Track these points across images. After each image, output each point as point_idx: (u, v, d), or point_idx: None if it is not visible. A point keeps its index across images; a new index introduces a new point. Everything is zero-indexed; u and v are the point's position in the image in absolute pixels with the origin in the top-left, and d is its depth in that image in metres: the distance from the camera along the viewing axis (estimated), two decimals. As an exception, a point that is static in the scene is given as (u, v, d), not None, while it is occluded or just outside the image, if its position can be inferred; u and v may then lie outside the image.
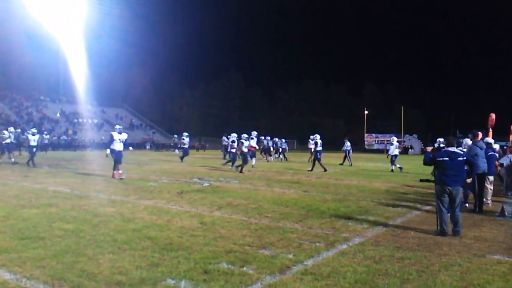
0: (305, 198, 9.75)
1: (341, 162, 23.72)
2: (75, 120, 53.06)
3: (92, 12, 44.45)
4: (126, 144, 13.68)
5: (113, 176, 12.98)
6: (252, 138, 19.19)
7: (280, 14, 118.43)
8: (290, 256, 4.92)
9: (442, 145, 15.53)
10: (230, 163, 18.07)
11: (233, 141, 18.46)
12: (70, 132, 48.23)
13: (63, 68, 55.07)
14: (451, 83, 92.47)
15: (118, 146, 13.00)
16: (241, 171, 16.05)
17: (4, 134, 20.51)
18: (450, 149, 6.45)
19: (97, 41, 55.40)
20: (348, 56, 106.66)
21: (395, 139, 19.61)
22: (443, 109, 76.63)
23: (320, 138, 18.76)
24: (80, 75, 48.36)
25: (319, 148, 18.28)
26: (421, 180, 14.19)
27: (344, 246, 5.44)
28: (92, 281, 3.95)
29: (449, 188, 6.25)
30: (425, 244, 5.66)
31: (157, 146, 36.84)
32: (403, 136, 62.82)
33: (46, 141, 24.97)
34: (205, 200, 9.09)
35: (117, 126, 13.78)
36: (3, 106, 50.89)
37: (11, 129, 22.57)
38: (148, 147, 50.37)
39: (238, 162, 17.34)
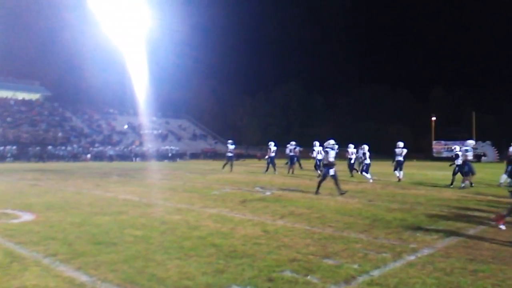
0: (370, 207, 9.51)
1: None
2: (141, 132, 55.42)
3: (154, 27, 46.53)
4: None
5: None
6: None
7: (340, 20, 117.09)
8: (355, 266, 4.81)
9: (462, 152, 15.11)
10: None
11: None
12: (136, 143, 50.44)
13: (129, 82, 57.94)
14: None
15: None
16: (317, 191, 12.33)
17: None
18: None
19: (159, 54, 57.96)
20: (414, 59, 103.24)
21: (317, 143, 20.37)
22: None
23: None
24: (144, 89, 50.74)
25: (273, 154, 21.95)
26: None
27: (412, 257, 5.24)
28: (162, 285, 4.09)
29: None
30: (501, 257, 5.32)
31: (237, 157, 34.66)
32: (475, 144, 59.47)
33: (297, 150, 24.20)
34: (267, 209, 9.12)
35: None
36: (76, 120, 54.32)
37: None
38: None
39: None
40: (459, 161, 15.24)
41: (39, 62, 68.54)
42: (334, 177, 12.10)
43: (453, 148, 16.43)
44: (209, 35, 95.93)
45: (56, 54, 68.62)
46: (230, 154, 23.20)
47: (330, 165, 12.18)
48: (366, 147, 17.66)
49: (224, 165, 23.29)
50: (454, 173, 15.20)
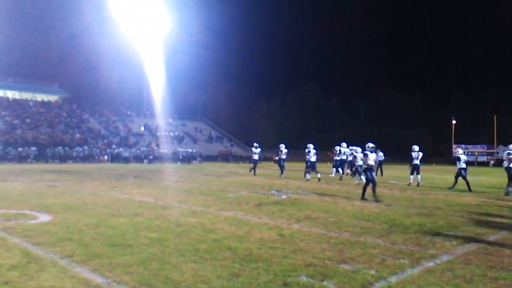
0: (388, 212, 9.37)
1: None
2: (158, 134, 55.82)
3: (171, 30, 46.90)
4: None
5: None
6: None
7: (357, 22, 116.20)
8: (372, 272, 4.73)
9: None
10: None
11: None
12: (153, 145, 50.80)
13: (146, 84, 58.43)
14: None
15: None
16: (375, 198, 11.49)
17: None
18: None
19: (176, 57, 58.38)
20: (433, 61, 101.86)
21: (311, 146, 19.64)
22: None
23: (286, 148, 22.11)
24: (161, 91, 51.15)
25: (284, 157, 21.84)
26: None
27: (431, 264, 5.13)
28: (176, 289, 4.07)
29: None
30: (524, 265, 5.17)
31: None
32: (496, 147, 58.47)
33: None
34: (283, 212, 9.06)
35: None
36: (93, 121, 54.98)
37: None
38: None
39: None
40: (461, 164, 15.10)
41: (57, 64, 69.60)
42: (367, 180, 11.89)
43: (455, 150, 16.11)
44: (226, 37, 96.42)
45: (74, 57, 69.54)
46: (255, 157, 23.68)
47: (370, 168, 11.91)
48: (358, 150, 17.60)
49: (253, 169, 23.33)
50: (462, 177, 15.02)
